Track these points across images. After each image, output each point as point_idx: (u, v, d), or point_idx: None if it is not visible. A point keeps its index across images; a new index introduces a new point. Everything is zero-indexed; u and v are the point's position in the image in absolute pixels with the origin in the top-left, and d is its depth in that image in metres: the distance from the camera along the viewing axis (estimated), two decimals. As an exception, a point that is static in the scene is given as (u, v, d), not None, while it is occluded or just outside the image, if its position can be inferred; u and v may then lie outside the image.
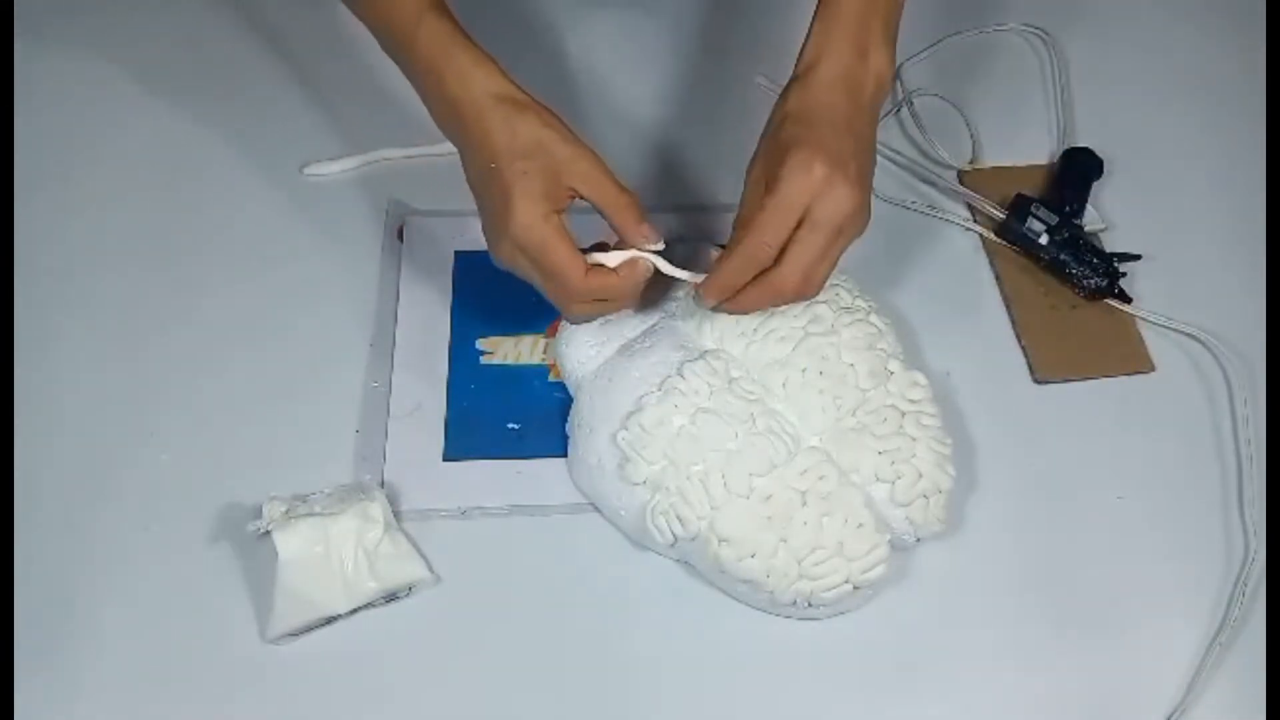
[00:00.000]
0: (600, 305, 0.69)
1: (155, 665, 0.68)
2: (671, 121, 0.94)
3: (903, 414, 0.72)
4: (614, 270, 0.68)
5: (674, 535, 0.70)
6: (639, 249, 0.68)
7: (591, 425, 0.73)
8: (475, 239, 0.84)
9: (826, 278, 0.68)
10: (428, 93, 0.69)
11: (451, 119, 0.68)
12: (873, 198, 0.69)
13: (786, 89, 0.70)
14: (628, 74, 0.97)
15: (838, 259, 0.68)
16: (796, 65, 0.71)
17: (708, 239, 0.82)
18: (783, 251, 0.66)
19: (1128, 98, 0.97)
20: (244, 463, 0.75)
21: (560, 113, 0.69)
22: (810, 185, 0.65)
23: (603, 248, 0.69)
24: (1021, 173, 0.92)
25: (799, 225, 0.66)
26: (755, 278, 0.68)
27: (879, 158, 0.91)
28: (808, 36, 0.71)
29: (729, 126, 0.93)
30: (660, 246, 0.68)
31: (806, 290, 0.68)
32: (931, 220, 0.90)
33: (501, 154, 0.66)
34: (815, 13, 0.71)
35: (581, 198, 0.67)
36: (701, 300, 0.70)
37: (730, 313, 0.72)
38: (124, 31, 0.97)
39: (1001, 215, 0.87)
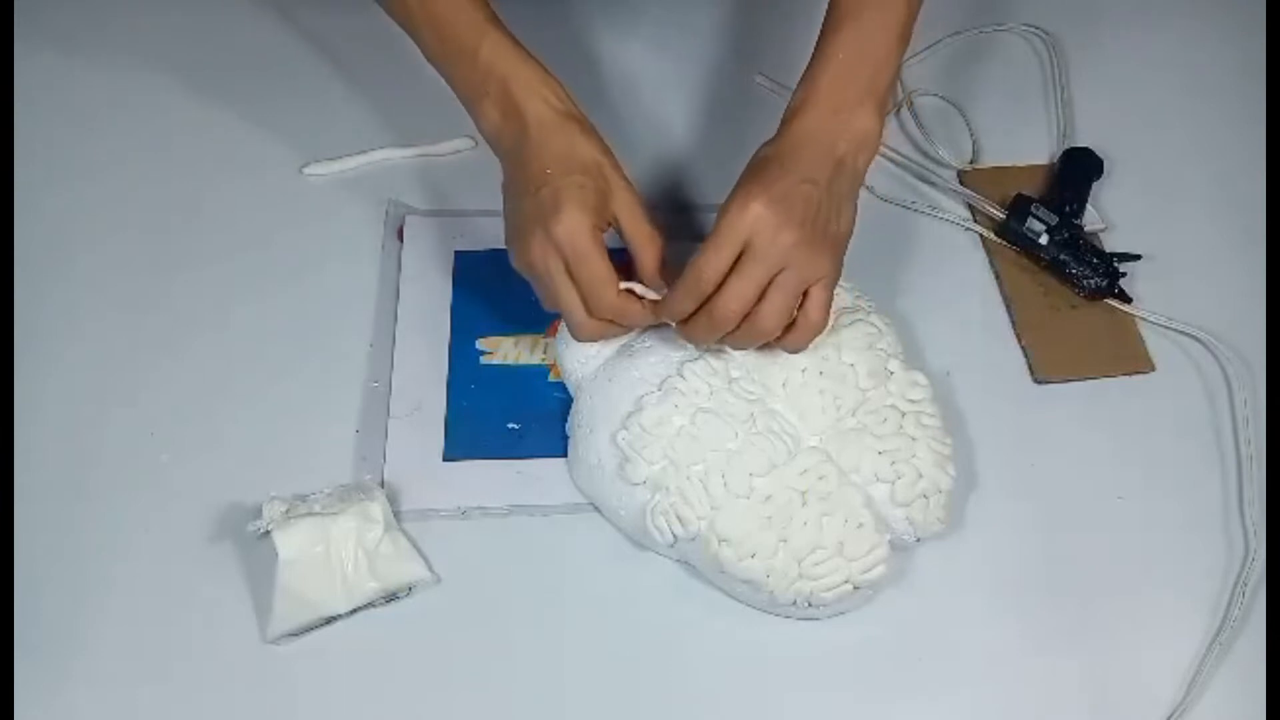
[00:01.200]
0: (609, 328, 0.71)
1: (155, 665, 0.68)
2: (670, 120, 0.94)
3: (903, 414, 0.72)
4: (642, 300, 0.70)
5: (674, 535, 0.70)
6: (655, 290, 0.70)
7: (591, 425, 0.73)
8: (475, 239, 0.85)
9: (781, 317, 0.67)
10: (487, 97, 0.71)
11: (509, 125, 0.70)
12: (852, 237, 0.71)
13: (765, 143, 0.72)
14: (625, 73, 0.97)
15: (795, 299, 0.68)
16: (782, 117, 0.72)
17: (703, 239, 0.81)
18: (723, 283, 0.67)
19: (1128, 98, 0.97)
20: (244, 463, 0.75)
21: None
22: (744, 221, 0.66)
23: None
24: (1021, 173, 0.92)
25: (744, 261, 0.66)
26: (696, 317, 0.69)
27: (878, 158, 0.92)
28: (795, 89, 0.72)
29: (728, 126, 0.93)
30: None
31: (755, 323, 0.67)
32: (931, 220, 0.90)
33: (559, 162, 0.68)
34: (808, 64, 0.72)
35: (617, 228, 0.69)
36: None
37: (686, 339, 0.71)
38: (124, 32, 0.97)
39: (1001, 215, 0.87)
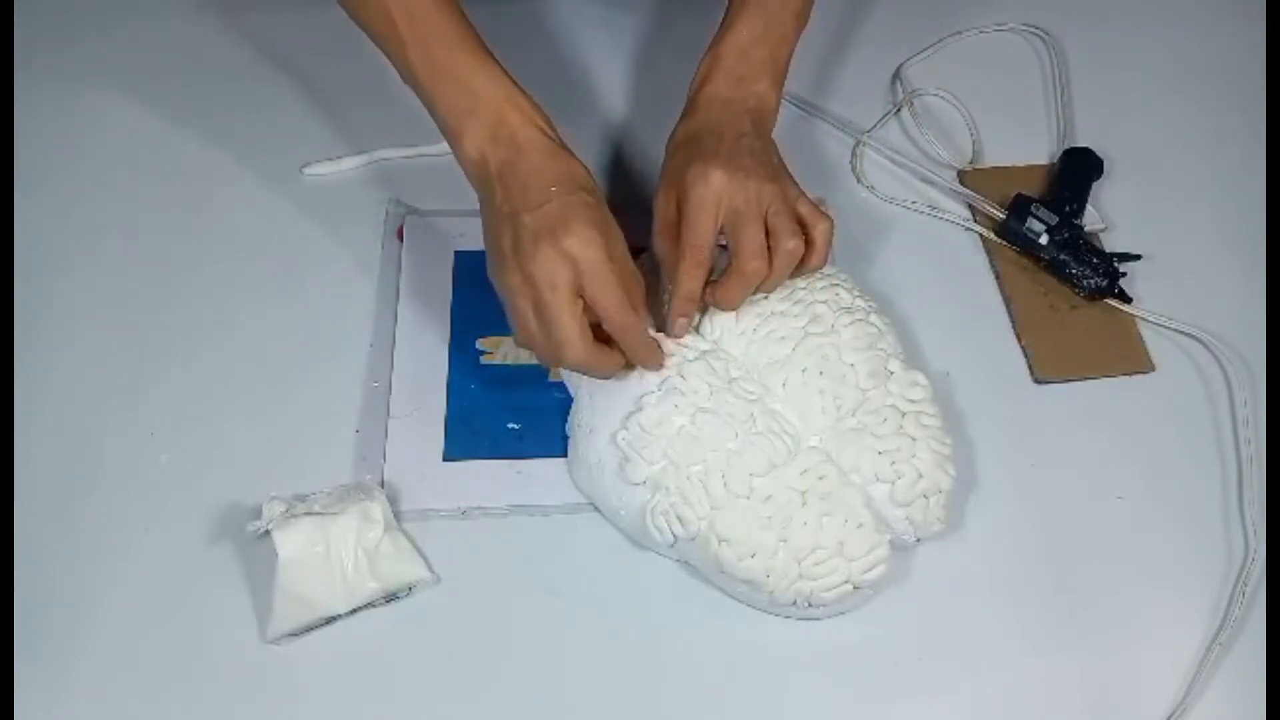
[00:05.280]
0: (599, 355, 0.69)
1: (155, 665, 0.68)
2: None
3: (903, 414, 0.72)
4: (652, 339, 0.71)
5: (674, 535, 0.70)
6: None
7: (591, 425, 0.73)
8: (475, 239, 0.84)
9: (795, 235, 0.71)
10: (475, 119, 0.70)
11: (497, 149, 0.69)
12: (794, 173, 0.75)
13: (675, 125, 0.76)
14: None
15: (794, 219, 0.71)
16: (690, 88, 0.77)
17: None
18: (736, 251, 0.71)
19: (1128, 98, 0.98)
20: (244, 463, 0.75)
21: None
22: (711, 191, 0.70)
23: None
24: (1021, 173, 0.92)
25: (736, 224, 0.70)
26: (724, 281, 0.72)
27: (878, 157, 0.92)
28: (700, 62, 0.77)
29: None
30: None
31: (781, 255, 0.71)
32: (931, 220, 0.90)
33: (563, 181, 0.68)
34: (713, 40, 0.78)
35: None
36: (673, 330, 0.73)
37: (721, 306, 0.73)
38: (124, 32, 0.97)
39: (1001, 215, 0.87)
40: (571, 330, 0.67)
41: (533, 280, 0.67)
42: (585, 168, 0.70)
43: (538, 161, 0.69)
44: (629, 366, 0.72)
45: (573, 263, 0.66)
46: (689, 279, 0.71)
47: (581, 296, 0.67)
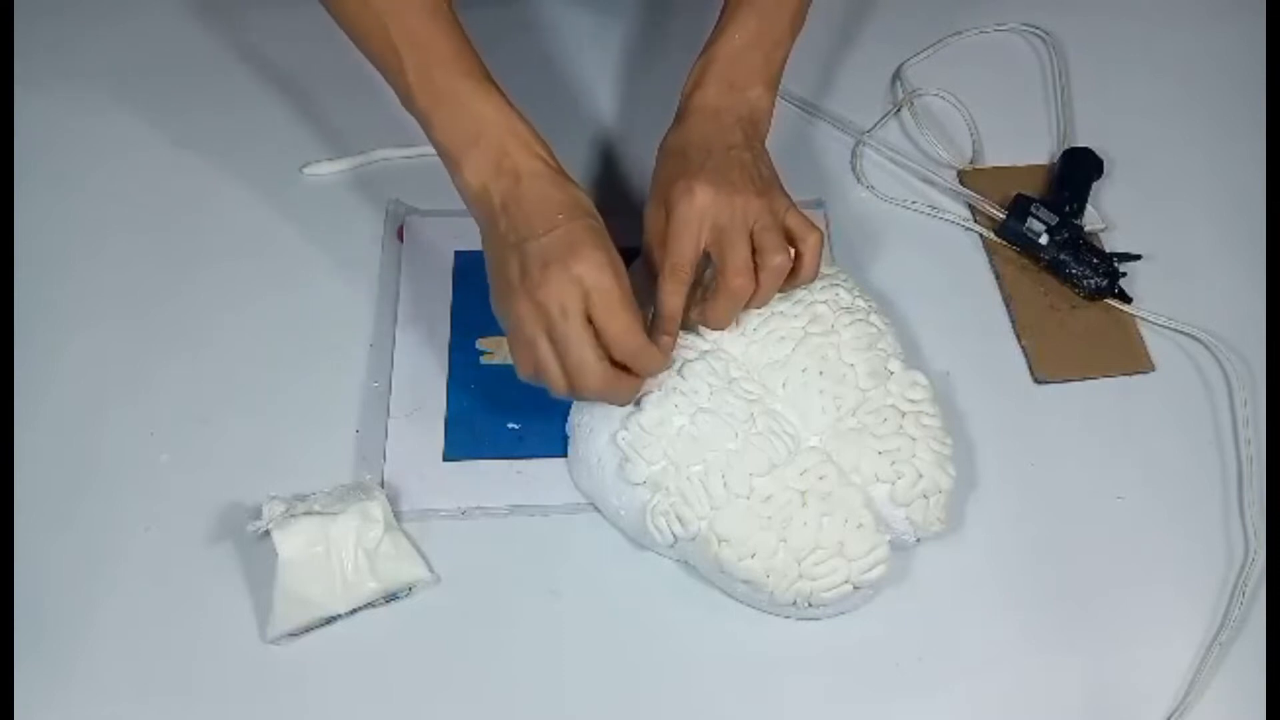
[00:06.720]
0: (618, 380, 0.67)
1: (155, 665, 0.68)
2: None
3: (903, 414, 0.72)
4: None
5: (674, 535, 0.70)
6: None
7: (591, 425, 0.73)
8: (475, 239, 0.84)
9: (784, 251, 0.70)
10: (476, 149, 0.69)
11: (501, 179, 0.68)
12: (783, 180, 0.75)
13: (667, 132, 0.75)
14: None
15: (781, 234, 0.71)
16: (681, 94, 0.76)
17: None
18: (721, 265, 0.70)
19: (1128, 98, 0.97)
20: (244, 463, 0.75)
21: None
22: (696, 209, 0.70)
23: None
24: (1021, 173, 0.92)
25: (720, 241, 0.70)
26: (711, 300, 0.72)
27: (878, 157, 0.92)
28: (692, 67, 0.76)
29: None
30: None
31: (768, 271, 0.70)
32: (931, 220, 0.90)
33: (568, 208, 0.67)
34: (706, 43, 0.77)
35: None
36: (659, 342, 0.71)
37: (710, 325, 0.73)
38: (124, 33, 0.97)
39: (1001, 215, 0.87)
40: (589, 356, 0.65)
41: (544, 307, 0.65)
42: (586, 195, 0.69)
43: (542, 190, 0.68)
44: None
45: (583, 288, 0.65)
46: (671, 297, 0.70)
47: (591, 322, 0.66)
